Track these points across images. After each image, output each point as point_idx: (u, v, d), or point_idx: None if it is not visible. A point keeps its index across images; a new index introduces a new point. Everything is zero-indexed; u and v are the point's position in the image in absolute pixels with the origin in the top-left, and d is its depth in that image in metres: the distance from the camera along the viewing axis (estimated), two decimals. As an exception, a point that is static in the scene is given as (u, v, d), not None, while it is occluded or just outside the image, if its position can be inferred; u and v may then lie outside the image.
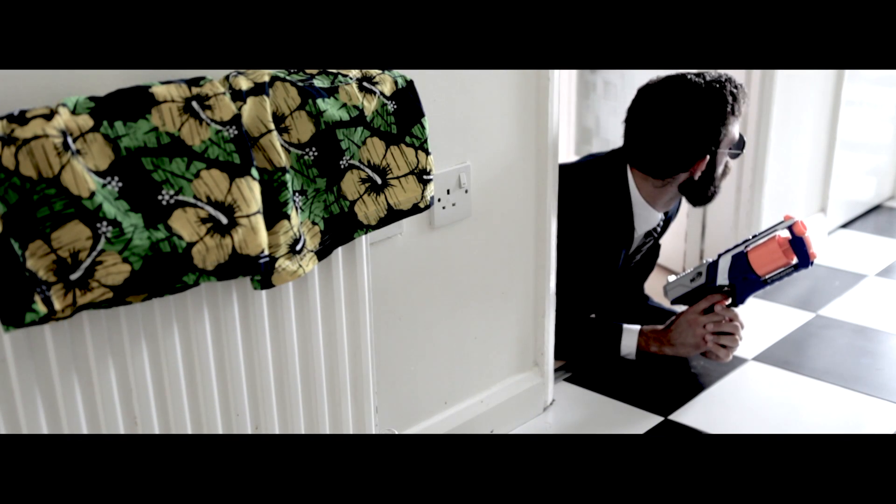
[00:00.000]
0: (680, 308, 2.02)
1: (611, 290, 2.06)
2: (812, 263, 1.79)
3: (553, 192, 1.68)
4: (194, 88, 1.00)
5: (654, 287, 2.26)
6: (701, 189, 1.91)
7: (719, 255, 1.88)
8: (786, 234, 1.80)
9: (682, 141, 1.83)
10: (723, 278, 1.86)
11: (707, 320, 1.88)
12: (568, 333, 1.92)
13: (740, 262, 1.84)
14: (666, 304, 2.10)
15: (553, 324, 1.79)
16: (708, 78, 1.83)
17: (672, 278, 1.98)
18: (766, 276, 1.83)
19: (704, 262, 1.91)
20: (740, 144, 1.90)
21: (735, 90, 1.83)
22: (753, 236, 1.86)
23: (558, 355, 1.89)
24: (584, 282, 1.96)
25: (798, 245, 1.77)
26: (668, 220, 2.09)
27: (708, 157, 1.84)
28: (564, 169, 1.93)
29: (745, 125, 2.36)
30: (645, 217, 1.95)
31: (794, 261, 1.79)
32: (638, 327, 1.96)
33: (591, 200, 1.92)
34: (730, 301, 1.89)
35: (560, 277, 1.81)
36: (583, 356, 1.98)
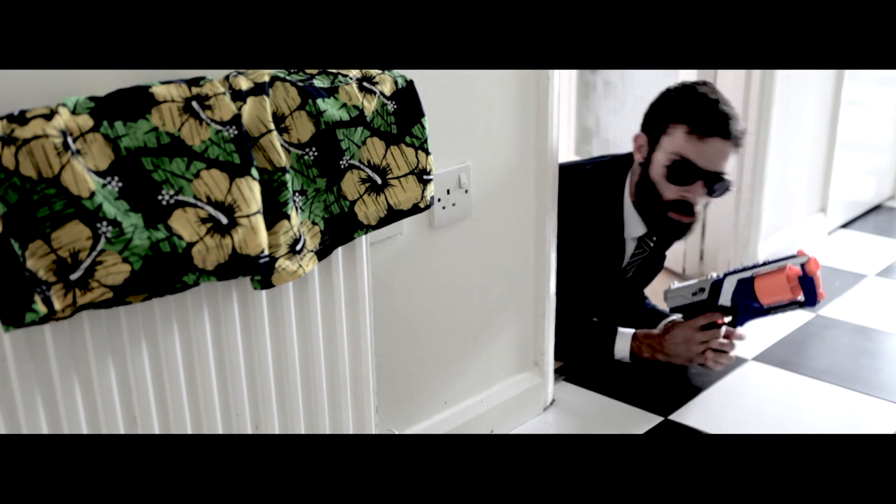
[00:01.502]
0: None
1: (607, 292, 2.06)
2: (817, 303, 1.76)
3: (553, 192, 1.68)
4: (194, 88, 1.00)
5: (655, 289, 2.26)
6: (641, 190, 1.89)
7: (725, 275, 1.84)
8: (797, 268, 1.75)
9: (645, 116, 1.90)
10: (725, 299, 1.83)
11: (703, 338, 1.87)
12: (564, 334, 1.92)
13: (745, 287, 1.81)
14: (662, 306, 2.09)
15: (553, 324, 1.79)
16: (706, 93, 1.83)
17: (675, 285, 1.95)
18: (769, 307, 1.80)
19: (709, 277, 1.87)
20: (685, 166, 1.80)
21: (709, 112, 1.79)
22: (764, 262, 1.82)
23: (556, 355, 1.89)
24: (580, 282, 1.96)
25: (807, 283, 1.74)
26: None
27: (645, 138, 1.86)
28: (567, 169, 1.92)
29: (745, 124, 2.35)
30: (632, 223, 1.95)
31: (801, 297, 1.76)
32: (632, 331, 1.95)
33: (586, 201, 1.92)
34: (729, 319, 1.87)
35: (558, 277, 1.81)
36: (579, 357, 1.98)
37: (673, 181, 1.82)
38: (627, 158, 1.97)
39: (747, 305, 1.81)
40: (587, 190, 1.93)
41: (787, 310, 1.80)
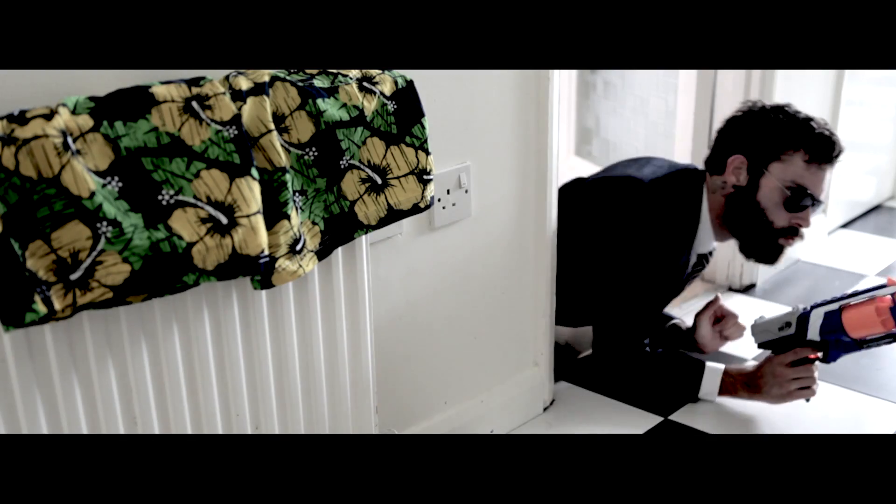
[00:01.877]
0: (682, 313, 1.97)
1: (659, 307, 1.95)
2: None
3: (553, 192, 1.68)
4: (194, 88, 1.00)
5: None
6: (744, 213, 1.81)
7: (811, 307, 1.73)
8: (888, 298, 1.61)
9: (728, 132, 1.83)
10: (814, 334, 1.72)
11: (794, 375, 1.74)
12: (633, 362, 1.84)
13: (833, 320, 1.68)
14: (672, 310, 2.04)
15: (552, 323, 1.78)
16: (817, 120, 1.77)
17: (760, 319, 1.85)
18: (860, 340, 1.67)
19: (795, 309, 1.77)
20: (802, 195, 1.76)
21: (829, 141, 1.74)
22: (854, 293, 1.69)
23: (617, 386, 1.86)
24: (637, 298, 1.84)
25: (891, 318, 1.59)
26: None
27: (744, 160, 1.78)
28: (625, 181, 1.85)
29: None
30: (703, 239, 1.88)
31: (894, 330, 1.61)
32: (721, 367, 1.83)
33: (658, 216, 1.81)
34: (821, 355, 1.74)
35: (621, 296, 1.79)
36: (653, 391, 1.87)
37: (790, 209, 1.78)
38: (695, 173, 1.88)
39: (838, 340, 1.69)
40: (659, 205, 1.81)
41: (882, 343, 1.65)
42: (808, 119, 1.77)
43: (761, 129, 1.79)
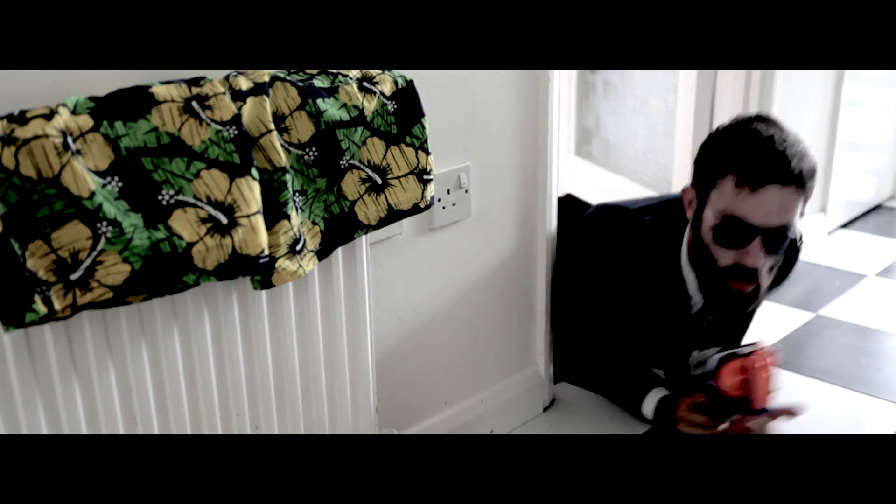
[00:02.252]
0: None
1: (677, 340, 1.80)
2: (763, 412, 1.48)
3: (553, 192, 1.68)
4: (194, 88, 1.00)
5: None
6: (693, 252, 1.59)
7: (721, 351, 1.56)
8: (738, 363, 1.45)
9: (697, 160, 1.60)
10: (710, 380, 1.57)
11: (692, 419, 1.59)
12: (602, 370, 1.79)
13: (716, 371, 1.51)
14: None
15: (548, 323, 1.78)
16: (759, 131, 1.49)
17: (700, 353, 1.76)
18: (737, 400, 1.50)
19: (712, 351, 1.66)
20: (732, 225, 1.47)
21: (758, 160, 1.45)
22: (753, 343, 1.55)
23: (589, 384, 1.86)
24: (644, 331, 1.75)
25: (744, 383, 1.45)
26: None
27: (694, 192, 1.57)
28: (627, 214, 1.72)
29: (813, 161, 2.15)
30: (695, 285, 1.66)
31: (746, 398, 1.47)
32: (663, 393, 1.69)
33: (644, 260, 1.65)
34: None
35: (607, 318, 1.73)
36: (610, 397, 1.82)
37: (723, 244, 1.50)
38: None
39: (716, 392, 1.51)
40: (645, 247, 1.65)
41: (755, 413, 1.48)
42: (749, 133, 1.49)
43: (703, 152, 1.57)
